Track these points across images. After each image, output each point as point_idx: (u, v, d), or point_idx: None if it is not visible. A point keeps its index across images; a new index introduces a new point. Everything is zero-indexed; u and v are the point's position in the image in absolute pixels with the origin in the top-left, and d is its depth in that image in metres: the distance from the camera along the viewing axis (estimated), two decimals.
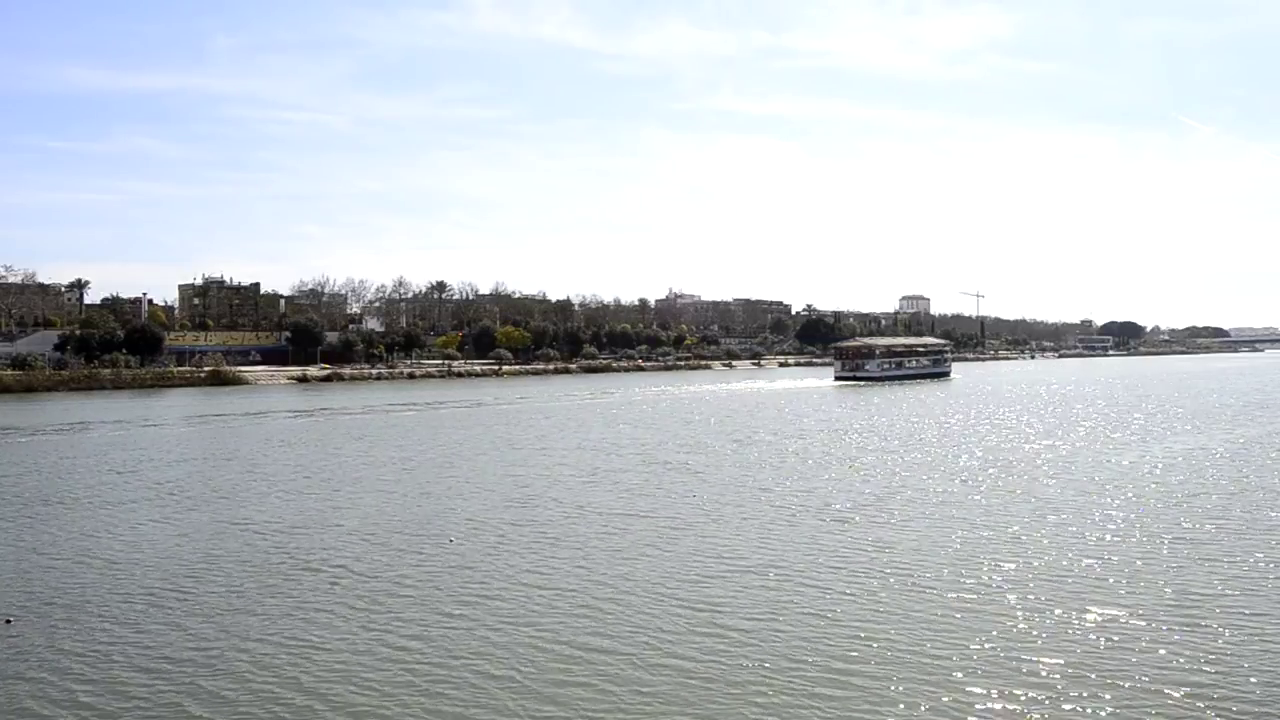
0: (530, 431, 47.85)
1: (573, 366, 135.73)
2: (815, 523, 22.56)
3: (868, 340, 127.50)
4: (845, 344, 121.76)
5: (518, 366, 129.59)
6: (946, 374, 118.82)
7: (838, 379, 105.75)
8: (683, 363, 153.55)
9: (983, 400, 72.67)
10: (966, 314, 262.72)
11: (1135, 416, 53.94)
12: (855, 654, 13.23)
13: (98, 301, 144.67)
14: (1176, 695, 11.65)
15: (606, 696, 11.98)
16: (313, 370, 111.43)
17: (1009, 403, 68.89)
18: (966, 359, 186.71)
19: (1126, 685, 11.94)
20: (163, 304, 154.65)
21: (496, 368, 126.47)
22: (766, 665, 12.85)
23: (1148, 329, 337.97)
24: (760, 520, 22.92)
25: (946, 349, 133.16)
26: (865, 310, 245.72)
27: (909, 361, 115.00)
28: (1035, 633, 14.03)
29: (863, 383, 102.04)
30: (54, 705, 12.07)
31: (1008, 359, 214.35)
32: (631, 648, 13.65)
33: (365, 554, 19.81)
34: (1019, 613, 14.99)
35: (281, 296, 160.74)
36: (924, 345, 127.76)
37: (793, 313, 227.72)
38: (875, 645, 13.56)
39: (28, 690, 12.49)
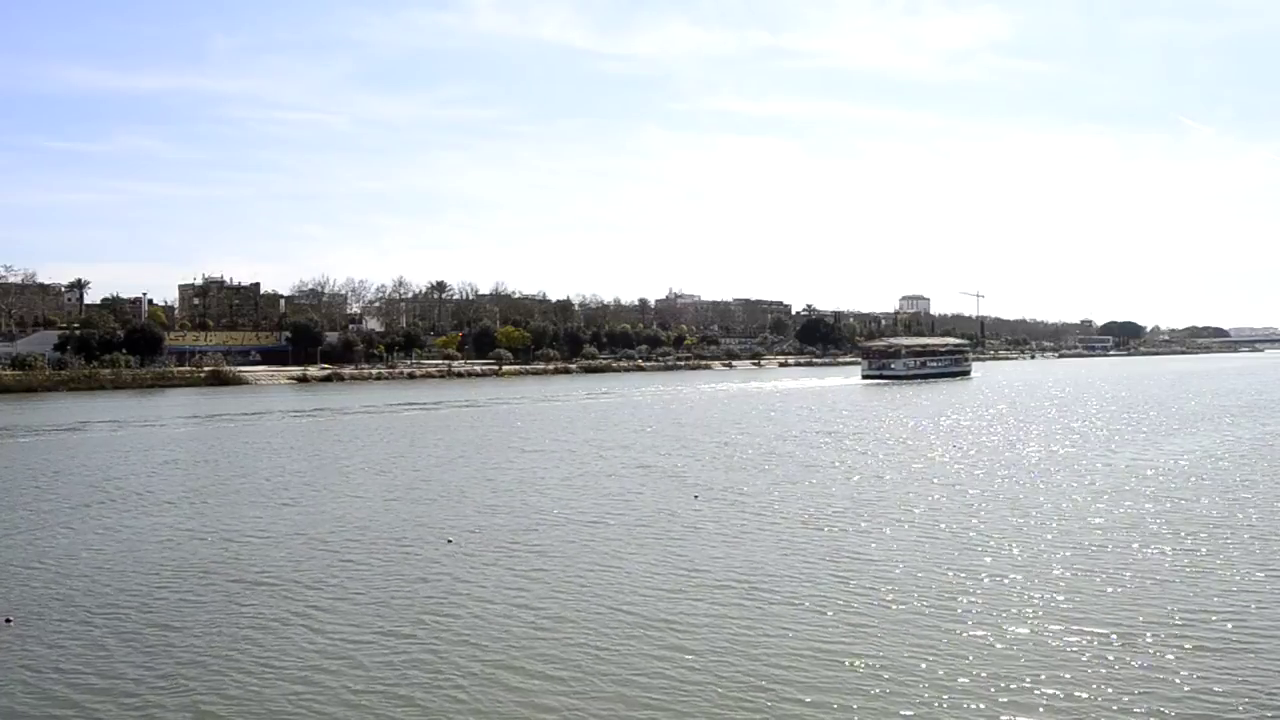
0: (524, 433, 47.45)
1: (572, 366, 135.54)
2: (810, 530, 22.07)
3: (893, 340, 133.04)
4: (873, 344, 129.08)
5: (518, 366, 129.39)
6: (967, 373, 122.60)
7: (865, 377, 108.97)
8: (683, 363, 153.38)
9: (998, 398, 72.86)
10: (966, 314, 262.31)
11: (1134, 417, 53.65)
12: (827, 673, 12.75)
13: (98, 301, 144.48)
14: (1170, 714, 11.24)
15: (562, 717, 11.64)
16: (313, 370, 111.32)
17: (1016, 401, 68.74)
18: None
19: (1118, 709, 11.46)
20: (163, 304, 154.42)
21: (496, 368, 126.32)
22: (734, 684, 12.40)
23: (1148, 329, 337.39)
24: (745, 527, 22.49)
25: (967, 349, 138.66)
26: (865, 310, 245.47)
27: (932, 361, 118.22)
28: (1025, 646, 13.54)
29: (889, 381, 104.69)
30: None
31: (1008, 359, 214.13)
32: (593, 665, 13.24)
33: (332, 565, 19.38)
34: (1006, 626, 14.48)
35: (281, 296, 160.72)
36: (945, 345, 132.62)
37: (793, 313, 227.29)
38: (847, 663, 13.11)
39: None
